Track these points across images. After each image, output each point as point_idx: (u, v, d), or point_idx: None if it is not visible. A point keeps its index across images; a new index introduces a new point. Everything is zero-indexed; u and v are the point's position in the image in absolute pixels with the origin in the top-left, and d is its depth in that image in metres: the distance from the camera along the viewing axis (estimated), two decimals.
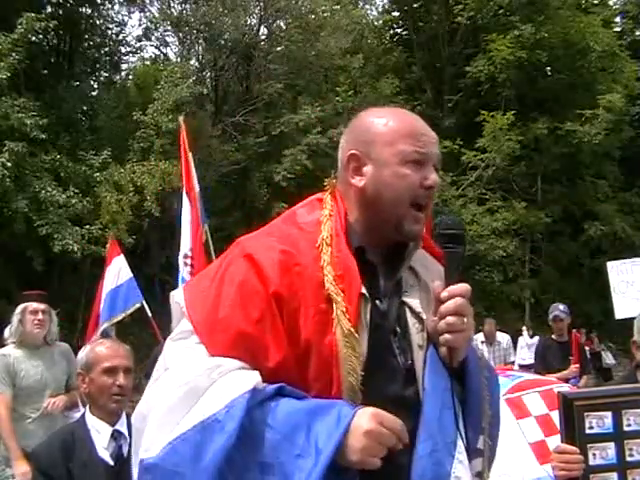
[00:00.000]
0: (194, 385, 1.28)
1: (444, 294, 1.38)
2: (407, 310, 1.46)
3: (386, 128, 1.47)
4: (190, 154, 6.24)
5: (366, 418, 1.23)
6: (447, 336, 1.36)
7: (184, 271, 5.83)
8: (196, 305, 1.41)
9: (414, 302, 1.47)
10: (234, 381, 1.27)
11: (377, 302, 1.43)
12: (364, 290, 1.38)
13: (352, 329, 1.33)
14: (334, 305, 1.34)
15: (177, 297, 1.47)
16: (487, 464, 1.47)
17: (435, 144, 1.48)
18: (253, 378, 1.28)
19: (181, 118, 6.64)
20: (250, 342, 1.32)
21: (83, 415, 2.71)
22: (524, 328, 11.89)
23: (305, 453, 1.21)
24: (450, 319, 1.36)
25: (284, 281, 1.35)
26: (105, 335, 6.90)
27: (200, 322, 1.37)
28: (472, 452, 1.40)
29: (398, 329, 1.44)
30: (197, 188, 6.25)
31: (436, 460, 1.30)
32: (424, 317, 1.44)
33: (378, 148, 1.45)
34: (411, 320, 1.45)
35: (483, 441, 1.45)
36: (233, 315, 1.34)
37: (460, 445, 1.35)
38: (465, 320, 1.38)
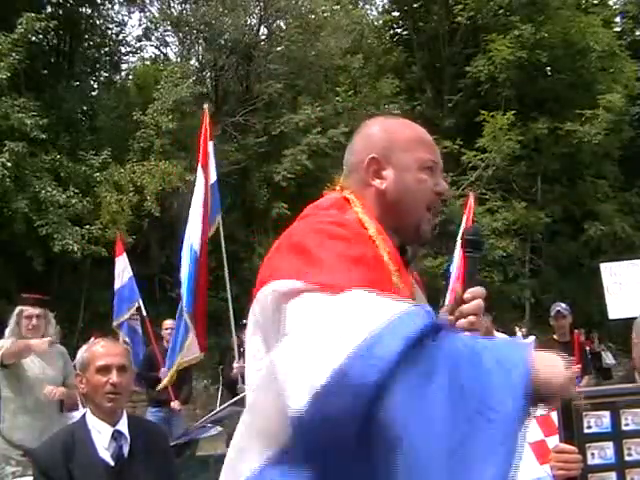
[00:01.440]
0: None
1: (467, 295, 1.50)
2: None
3: (403, 135, 1.57)
4: (211, 142, 6.34)
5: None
6: (468, 334, 1.44)
7: (192, 252, 5.82)
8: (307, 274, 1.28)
9: (421, 301, 1.55)
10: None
11: None
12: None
13: None
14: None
15: (275, 286, 1.31)
16: None
17: (439, 154, 1.60)
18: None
19: (206, 106, 6.75)
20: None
21: (84, 416, 2.71)
22: (517, 329, 11.88)
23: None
24: (472, 318, 1.48)
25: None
26: (133, 331, 7.07)
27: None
28: None
29: None
30: (215, 177, 6.31)
31: None
32: None
33: (398, 154, 1.54)
34: None
35: None
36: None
37: None
38: (481, 319, 1.51)
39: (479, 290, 1.52)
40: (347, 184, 1.58)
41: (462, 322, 1.49)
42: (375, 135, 1.59)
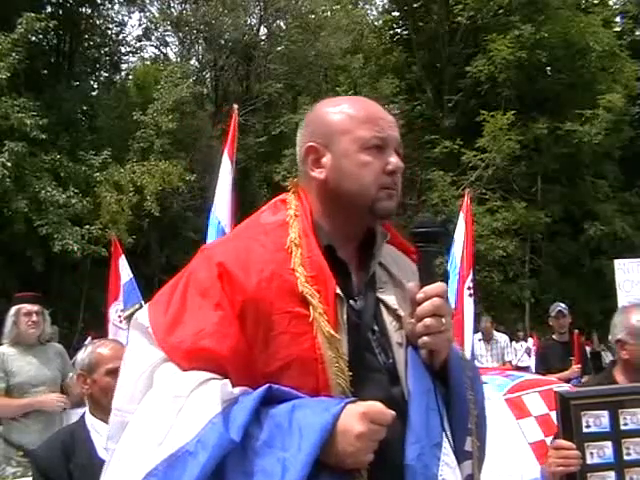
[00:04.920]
0: (164, 414, 1.23)
1: (420, 295, 1.33)
2: (383, 307, 1.42)
3: (342, 115, 1.42)
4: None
5: (355, 420, 1.20)
6: (426, 339, 1.31)
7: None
8: (161, 323, 1.35)
9: (390, 299, 1.42)
10: (202, 403, 1.22)
11: (351, 301, 1.38)
12: (339, 290, 1.33)
13: (332, 331, 1.28)
14: (310, 308, 1.29)
15: (140, 318, 1.40)
16: (477, 466, 1.43)
17: (394, 127, 1.44)
18: (221, 394, 1.22)
19: (235, 106, 6.73)
20: (218, 360, 1.28)
21: (83, 416, 2.70)
22: (520, 334, 11.88)
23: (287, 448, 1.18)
24: (428, 321, 1.31)
25: (256, 288, 1.31)
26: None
27: (167, 341, 1.32)
28: (460, 454, 1.36)
29: (376, 327, 1.39)
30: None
31: (424, 464, 1.27)
32: (401, 314, 1.39)
33: (336, 137, 1.40)
34: (388, 318, 1.41)
35: (471, 442, 1.40)
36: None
37: (446, 447, 1.31)
38: (443, 321, 1.33)
39: (435, 287, 1.33)
40: (299, 180, 1.48)
41: (419, 326, 1.32)
42: (313, 121, 1.46)
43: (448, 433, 1.34)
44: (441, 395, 1.36)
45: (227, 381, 1.24)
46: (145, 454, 1.20)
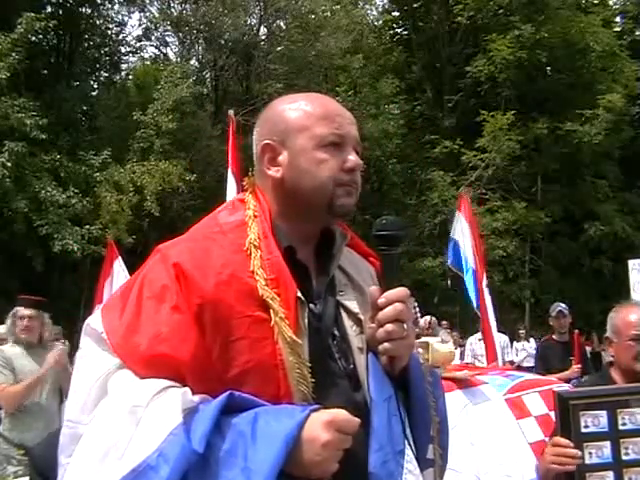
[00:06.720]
0: (122, 425, 1.17)
1: (381, 300, 1.29)
2: (343, 312, 1.38)
3: (299, 112, 1.38)
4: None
5: (321, 428, 1.15)
6: (387, 345, 1.28)
7: None
8: (116, 328, 1.28)
9: (350, 303, 1.39)
10: (162, 413, 1.16)
11: (311, 305, 1.33)
12: (299, 293, 1.29)
13: (294, 336, 1.25)
14: (271, 312, 1.25)
15: (94, 324, 1.32)
16: (439, 474, 1.41)
17: (352, 125, 1.40)
18: (181, 404, 1.17)
19: (231, 111, 6.68)
20: (177, 366, 1.23)
21: None
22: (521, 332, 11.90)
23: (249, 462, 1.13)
24: (389, 327, 1.28)
25: (214, 291, 1.26)
26: None
27: (122, 346, 1.26)
28: (422, 462, 1.34)
29: (337, 332, 1.36)
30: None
31: (388, 471, 1.23)
32: (362, 318, 1.37)
33: (292, 134, 1.36)
34: (348, 322, 1.38)
35: (433, 450, 1.39)
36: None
37: (409, 454, 1.28)
38: (405, 327, 1.30)
39: (397, 292, 1.30)
40: (256, 179, 1.44)
41: (380, 332, 1.28)
42: (270, 119, 1.42)
43: (410, 440, 1.31)
44: (401, 402, 1.33)
45: (187, 389, 1.19)
46: (105, 470, 1.15)
